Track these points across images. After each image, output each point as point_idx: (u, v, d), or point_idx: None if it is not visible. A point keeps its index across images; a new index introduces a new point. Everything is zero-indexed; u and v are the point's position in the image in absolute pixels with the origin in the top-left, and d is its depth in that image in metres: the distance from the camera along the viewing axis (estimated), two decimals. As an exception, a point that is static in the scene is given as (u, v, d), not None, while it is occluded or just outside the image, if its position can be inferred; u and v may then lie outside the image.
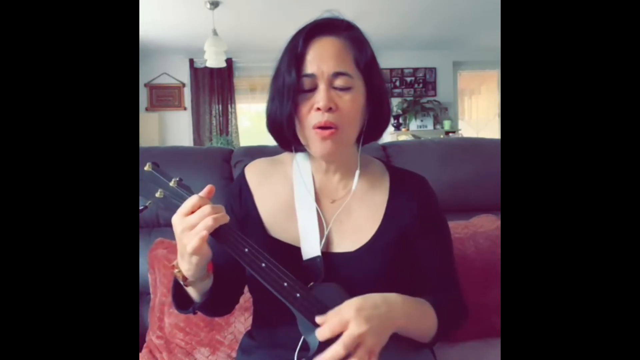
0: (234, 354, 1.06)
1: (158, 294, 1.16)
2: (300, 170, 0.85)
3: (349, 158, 0.85)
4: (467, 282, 1.13)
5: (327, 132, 0.75)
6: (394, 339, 0.70)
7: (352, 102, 0.77)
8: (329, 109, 0.75)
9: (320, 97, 0.75)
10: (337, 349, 0.63)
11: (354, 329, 0.64)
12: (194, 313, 0.80)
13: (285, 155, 0.91)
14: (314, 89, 0.76)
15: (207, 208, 0.67)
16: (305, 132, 0.78)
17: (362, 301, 0.67)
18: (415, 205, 0.84)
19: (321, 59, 0.76)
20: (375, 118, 0.82)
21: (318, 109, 0.75)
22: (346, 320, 0.65)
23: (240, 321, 1.11)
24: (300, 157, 0.87)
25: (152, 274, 1.19)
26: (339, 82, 0.76)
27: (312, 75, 0.76)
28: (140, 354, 1.11)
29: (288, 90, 0.76)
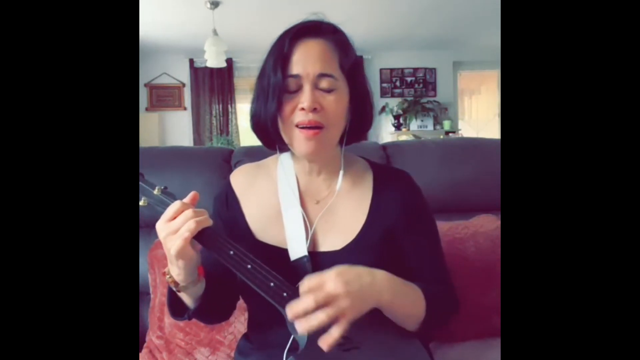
0: (233, 354, 1.06)
1: (158, 294, 1.16)
2: (284, 172, 0.86)
3: (332, 158, 0.86)
4: (467, 282, 1.14)
5: (311, 131, 0.76)
6: (383, 328, 0.70)
7: (336, 103, 0.78)
8: (314, 109, 0.76)
9: (305, 98, 0.76)
10: (307, 300, 0.63)
11: (329, 286, 0.64)
12: (189, 319, 0.81)
13: (270, 159, 0.92)
14: (298, 89, 0.77)
15: (189, 212, 0.68)
16: (288, 131, 0.79)
17: (346, 268, 0.68)
18: (400, 200, 0.85)
19: (307, 60, 0.77)
20: (358, 120, 0.83)
21: (302, 109, 0.76)
22: (325, 279, 0.65)
23: (240, 321, 1.11)
24: (284, 157, 0.88)
25: (152, 274, 1.19)
26: (323, 83, 0.77)
27: (297, 76, 0.77)
28: (140, 354, 1.11)
29: (273, 90, 0.77)
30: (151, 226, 1.30)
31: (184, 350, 1.10)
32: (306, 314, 0.63)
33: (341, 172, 0.85)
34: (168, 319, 1.13)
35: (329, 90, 0.77)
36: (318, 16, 0.82)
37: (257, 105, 0.81)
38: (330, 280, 0.65)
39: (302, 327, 0.63)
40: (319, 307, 0.63)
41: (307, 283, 0.65)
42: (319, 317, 0.63)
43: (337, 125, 0.80)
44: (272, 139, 0.82)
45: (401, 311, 0.75)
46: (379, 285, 0.70)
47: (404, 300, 0.75)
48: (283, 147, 0.84)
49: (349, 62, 0.80)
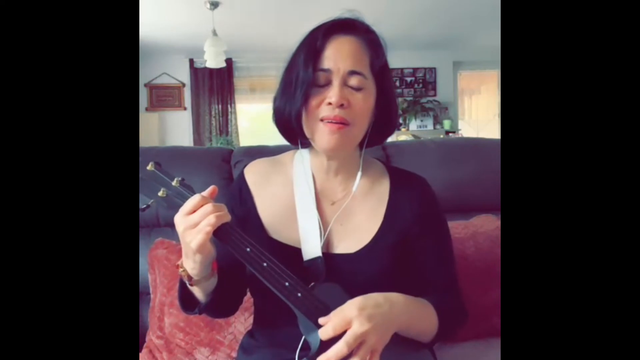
0: (234, 354, 1.06)
1: (158, 294, 1.16)
2: (301, 171, 0.86)
3: (351, 159, 0.85)
4: (467, 282, 1.14)
5: (336, 125, 0.76)
6: (394, 340, 0.70)
7: (364, 102, 0.77)
8: (341, 105, 0.75)
9: (333, 93, 0.75)
10: (340, 347, 0.63)
11: (356, 328, 0.64)
12: (200, 313, 0.80)
13: (286, 156, 0.91)
14: (326, 84, 0.77)
15: (209, 206, 0.67)
16: (312, 124, 0.78)
17: (364, 300, 0.67)
18: (415, 206, 0.84)
19: (339, 55, 0.77)
20: (382, 122, 0.83)
21: (329, 103, 0.75)
22: (349, 319, 0.65)
23: (240, 321, 1.11)
24: (303, 153, 0.87)
25: (152, 274, 1.19)
26: (353, 81, 0.77)
27: (327, 70, 0.76)
28: (140, 354, 1.11)
29: (302, 83, 0.76)
30: (151, 226, 1.32)
31: (184, 350, 1.10)
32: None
33: (359, 174, 0.84)
34: (168, 319, 1.13)
35: (358, 89, 0.77)
36: (353, 14, 0.82)
37: (282, 98, 0.80)
38: (355, 320, 0.64)
39: None
40: (351, 349, 0.64)
41: (332, 324, 0.65)
42: None
43: (362, 124, 0.79)
44: (294, 133, 0.81)
45: (416, 330, 0.76)
46: (397, 311, 0.70)
47: (419, 321, 0.76)
48: (304, 142, 0.83)
49: (380, 63, 0.80)
